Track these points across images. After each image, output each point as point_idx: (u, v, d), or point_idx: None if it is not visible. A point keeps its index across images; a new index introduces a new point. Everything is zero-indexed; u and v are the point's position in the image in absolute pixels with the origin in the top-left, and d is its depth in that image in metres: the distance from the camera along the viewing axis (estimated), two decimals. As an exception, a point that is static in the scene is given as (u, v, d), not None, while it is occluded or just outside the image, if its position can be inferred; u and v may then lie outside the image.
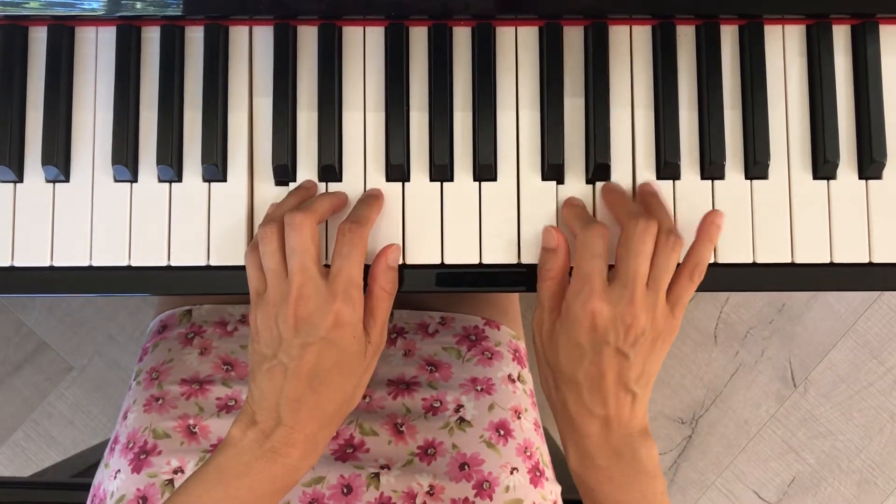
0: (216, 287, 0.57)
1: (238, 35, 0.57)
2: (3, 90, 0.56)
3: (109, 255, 0.56)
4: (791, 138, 0.57)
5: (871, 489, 1.39)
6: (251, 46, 0.58)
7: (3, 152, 0.55)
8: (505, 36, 0.57)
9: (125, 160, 0.55)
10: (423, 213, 0.56)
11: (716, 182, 0.56)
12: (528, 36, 0.57)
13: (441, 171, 0.56)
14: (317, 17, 0.57)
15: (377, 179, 0.57)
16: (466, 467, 0.64)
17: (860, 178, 0.56)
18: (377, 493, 0.62)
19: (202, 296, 0.75)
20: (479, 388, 0.69)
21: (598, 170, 0.56)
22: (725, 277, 0.56)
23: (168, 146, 0.56)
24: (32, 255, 0.56)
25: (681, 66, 0.57)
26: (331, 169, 0.56)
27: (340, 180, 0.57)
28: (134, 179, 0.57)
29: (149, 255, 0.56)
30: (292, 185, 0.57)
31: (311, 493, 0.62)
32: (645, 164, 0.56)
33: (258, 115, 0.57)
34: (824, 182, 0.56)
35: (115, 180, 0.56)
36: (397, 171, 0.56)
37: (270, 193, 0.57)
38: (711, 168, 0.56)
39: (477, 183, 0.57)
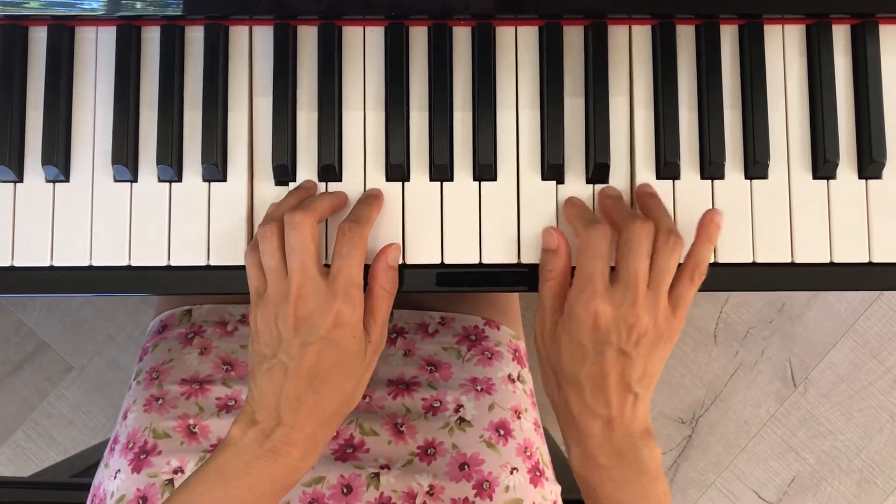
0: (216, 287, 0.57)
1: (238, 35, 0.57)
2: (3, 90, 0.56)
3: (109, 255, 0.56)
4: (791, 138, 0.57)
5: (871, 489, 1.39)
6: (251, 46, 0.58)
7: (3, 152, 0.55)
8: (505, 36, 0.57)
9: (125, 160, 0.55)
10: (422, 212, 0.56)
11: (716, 182, 0.56)
12: (528, 36, 0.57)
13: (441, 170, 0.56)
14: (317, 16, 0.57)
15: (377, 179, 0.57)
16: (466, 467, 0.64)
17: (860, 177, 0.56)
18: (377, 493, 0.62)
19: (202, 296, 0.75)
20: (479, 388, 0.69)
21: (597, 169, 0.56)
22: (725, 277, 0.56)
23: (168, 146, 0.56)
24: (32, 255, 0.56)
25: (681, 65, 0.57)
26: (331, 169, 0.56)
27: (340, 180, 0.57)
28: (134, 179, 0.57)
29: (149, 255, 0.56)
30: (292, 185, 0.57)
31: (311, 492, 0.62)
32: (645, 163, 0.56)
33: (258, 114, 0.57)
34: (824, 182, 0.56)
35: (115, 180, 0.56)
36: (397, 170, 0.56)
37: (270, 193, 0.57)
38: (711, 168, 0.56)
39: (477, 183, 0.57)
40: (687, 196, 0.56)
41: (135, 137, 0.56)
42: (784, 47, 0.57)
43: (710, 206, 0.56)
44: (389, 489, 0.62)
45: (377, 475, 0.63)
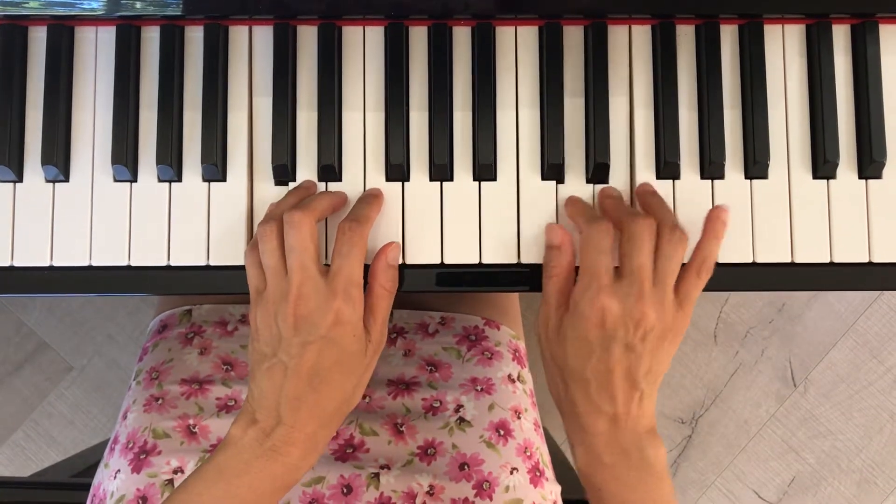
0: (216, 287, 0.57)
1: (238, 35, 0.57)
2: (3, 90, 0.56)
3: (109, 255, 0.56)
4: (791, 138, 0.57)
5: (871, 489, 1.39)
6: (251, 46, 0.58)
7: (2, 152, 0.55)
8: (505, 36, 0.57)
9: (125, 160, 0.55)
10: (422, 212, 0.56)
11: (716, 182, 0.56)
12: (528, 35, 0.57)
13: (441, 170, 0.56)
14: (316, 16, 0.57)
15: (377, 179, 0.57)
16: (466, 467, 0.64)
17: (860, 177, 0.56)
18: (377, 493, 0.62)
19: (202, 296, 0.75)
20: (479, 388, 0.69)
21: (597, 169, 0.56)
22: (725, 277, 0.56)
23: (168, 146, 0.56)
24: (32, 255, 0.56)
25: (681, 65, 0.57)
26: (330, 169, 0.56)
27: (340, 180, 0.57)
28: (133, 179, 0.57)
29: (148, 255, 0.56)
30: (292, 185, 0.57)
31: (311, 493, 0.62)
32: (645, 163, 0.56)
33: (258, 114, 0.57)
34: (824, 182, 0.56)
35: (115, 180, 0.56)
36: (397, 170, 0.56)
37: (270, 193, 0.57)
38: (711, 168, 0.56)
39: (477, 183, 0.57)
40: (687, 196, 0.56)
41: (134, 137, 0.56)
42: (784, 47, 0.57)
43: (710, 206, 0.56)
44: (389, 489, 0.62)
45: (377, 475, 0.63)
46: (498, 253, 0.56)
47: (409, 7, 0.56)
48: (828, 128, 0.55)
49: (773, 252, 0.56)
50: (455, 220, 0.56)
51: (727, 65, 0.57)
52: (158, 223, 0.56)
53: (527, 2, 0.56)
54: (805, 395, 1.39)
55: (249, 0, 0.56)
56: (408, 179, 0.57)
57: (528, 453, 0.67)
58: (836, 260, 0.56)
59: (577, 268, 0.54)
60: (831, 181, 0.56)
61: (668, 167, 0.56)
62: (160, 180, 0.56)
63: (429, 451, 0.65)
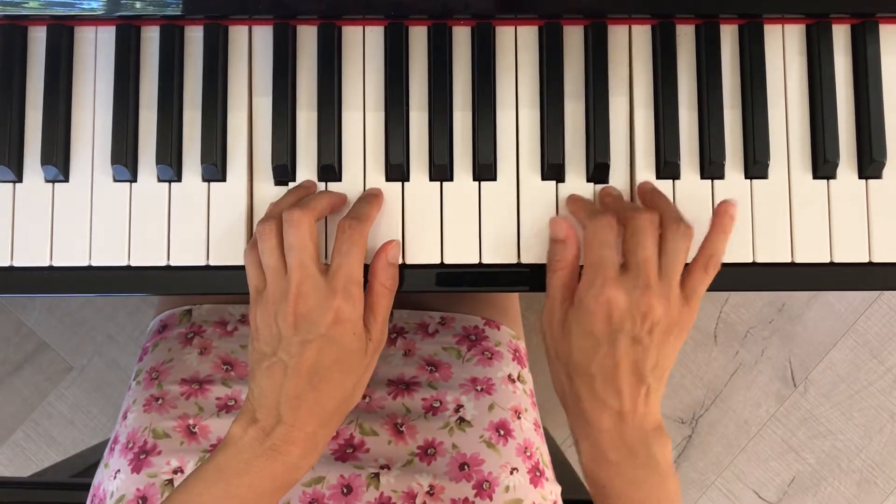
0: (216, 287, 0.57)
1: (237, 35, 0.57)
2: (3, 90, 0.56)
3: (109, 255, 0.56)
4: (791, 138, 0.57)
5: (871, 489, 1.39)
6: (251, 46, 0.58)
7: (2, 152, 0.55)
8: (505, 35, 0.57)
9: (124, 160, 0.55)
10: (422, 212, 0.56)
11: (716, 182, 0.56)
12: (528, 35, 0.57)
13: (441, 170, 0.56)
14: (316, 16, 0.57)
15: (377, 179, 0.57)
16: (466, 467, 0.64)
17: (860, 177, 0.56)
18: (377, 493, 0.62)
19: (202, 296, 0.75)
20: (479, 388, 0.69)
21: (598, 169, 0.56)
22: (725, 277, 0.55)
23: (167, 146, 0.56)
24: (32, 255, 0.56)
25: (681, 65, 0.57)
26: (330, 169, 0.56)
27: (340, 180, 0.57)
28: (133, 179, 0.56)
29: (148, 255, 0.56)
30: (292, 185, 0.57)
31: (311, 492, 0.62)
32: (645, 163, 0.56)
33: (258, 114, 0.57)
34: (824, 182, 0.56)
35: (115, 180, 0.56)
36: (397, 170, 0.56)
37: (270, 193, 0.57)
38: (711, 168, 0.56)
39: (477, 183, 0.56)
40: (687, 196, 0.56)
41: (134, 137, 0.56)
42: (784, 47, 0.57)
43: (711, 206, 0.56)
44: (389, 489, 0.62)
45: (377, 475, 0.63)
46: (498, 253, 0.56)
47: (408, 7, 0.56)
48: (828, 128, 0.55)
49: (773, 252, 0.56)
50: (455, 220, 0.56)
51: (727, 65, 0.57)
52: (158, 223, 0.56)
53: (527, 2, 0.56)
54: (805, 395, 1.39)
55: (249, 0, 0.56)
56: (408, 179, 0.57)
57: (528, 453, 0.67)
58: (836, 260, 0.56)
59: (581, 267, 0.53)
60: (831, 181, 0.56)
61: (668, 167, 0.56)
62: (160, 180, 0.56)
63: (429, 451, 0.65)
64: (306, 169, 0.57)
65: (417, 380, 0.70)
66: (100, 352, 1.38)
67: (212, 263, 0.56)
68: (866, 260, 0.56)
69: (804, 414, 1.39)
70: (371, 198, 0.55)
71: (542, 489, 0.66)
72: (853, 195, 0.56)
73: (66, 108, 0.56)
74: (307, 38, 0.57)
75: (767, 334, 1.39)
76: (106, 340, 1.38)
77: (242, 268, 0.54)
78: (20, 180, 0.57)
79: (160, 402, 0.68)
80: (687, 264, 0.52)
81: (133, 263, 0.56)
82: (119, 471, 0.65)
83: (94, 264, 0.56)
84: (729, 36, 0.57)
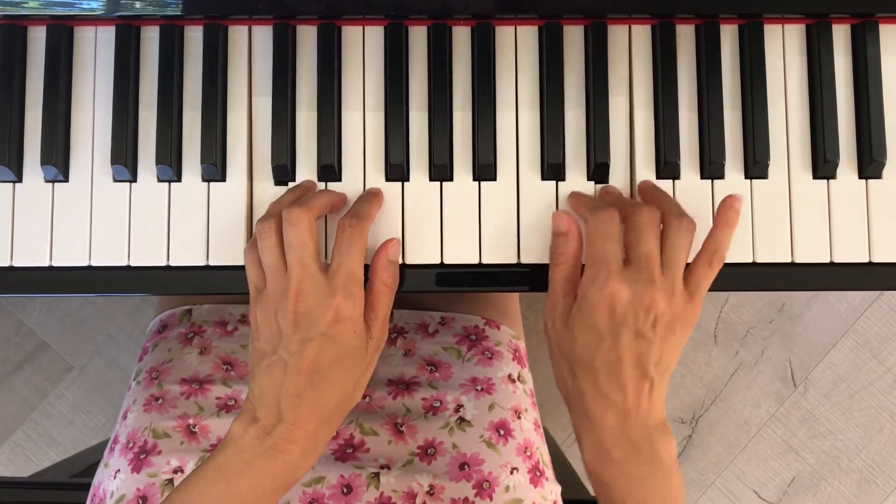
0: (216, 287, 0.57)
1: (237, 35, 0.57)
2: (3, 90, 0.56)
3: (109, 255, 0.56)
4: (791, 138, 0.57)
5: (871, 489, 1.39)
6: (250, 46, 0.58)
7: (2, 152, 0.55)
8: (504, 35, 0.57)
9: (124, 160, 0.55)
10: (422, 212, 0.56)
11: (715, 182, 0.56)
12: (528, 35, 0.57)
13: (441, 170, 0.56)
14: (316, 16, 0.57)
15: (377, 179, 0.57)
16: (466, 467, 0.64)
17: (860, 177, 0.56)
18: (377, 492, 0.62)
19: (202, 295, 0.75)
20: (479, 387, 0.69)
21: (598, 169, 0.56)
22: (725, 277, 0.55)
23: (167, 146, 0.56)
24: (32, 255, 0.56)
25: (681, 65, 0.57)
26: (330, 169, 0.56)
27: (340, 180, 0.57)
28: (133, 179, 0.56)
29: (148, 255, 0.56)
30: (291, 185, 0.57)
31: (311, 492, 0.62)
32: (645, 163, 0.56)
33: (257, 114, 0.57)
34: (824, 182, 0.56)
35: (115, 180, 0.56)
36: (397, 170, 0.56)
37: (270, 193, 0.57)
38: (711, 168, 0.56)
39: (476, 183, 0.56)
40: (687, 196, 0.56)
41: (134, 137, 0.56)
42: (784, 47, 0.57)
43: (711, 206, 0.56)
44: (389, 489, 0.62)
45: (377, 475, 0.63)
46: (498, 253, 0.56)
47: (408, 7, 0.56)
48: (828, 128, 0.55)
49: (773, 252, 0.56)
50: (455, 221, 0.56)
51: (727, 64, 0.57)
52: (158, 223, 0.56)
53: (527, 2, 0.56)
54: (805, 395, 1.39)
55: (249, 0, 0.56)
56: (407, 179, 0.57)
57: (529, 453, 0.67)
58: (836, 260, 0.56)
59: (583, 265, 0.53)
60: (831, 181, 0.56)
61: (668, 167, 0.56)
62: (160, 180, 0.56)
63: (429, 450, 0.65)
64: (306, 169, 0.57)
65: (417, 380, 0.70)
66: (100, 352, 1.38)
67: (212, 263, 0.56)
68: (866, 260, 0.56)
69: (804, 414, 1.39)
70: (371, 197, 0.55)
71: (542, 489, 0.66)
72: (853, 195, 0.56)
73: (66, 108, 0.56)
74: (307, 38, 0.57)
75: (767, 334, 1.39)
76: (106, 340, 1.38)
77: (242, 268, 0.54)
78: (20, 180, 0.57)
79: (160, 401, 0.68)
80: (688, 264, 0.52)
81: (133, 263, 0.56)
82: (119, 470, 0.65)
83: (93, 264, 0.56)
84: (729, 36, 0.57)
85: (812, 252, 0.56)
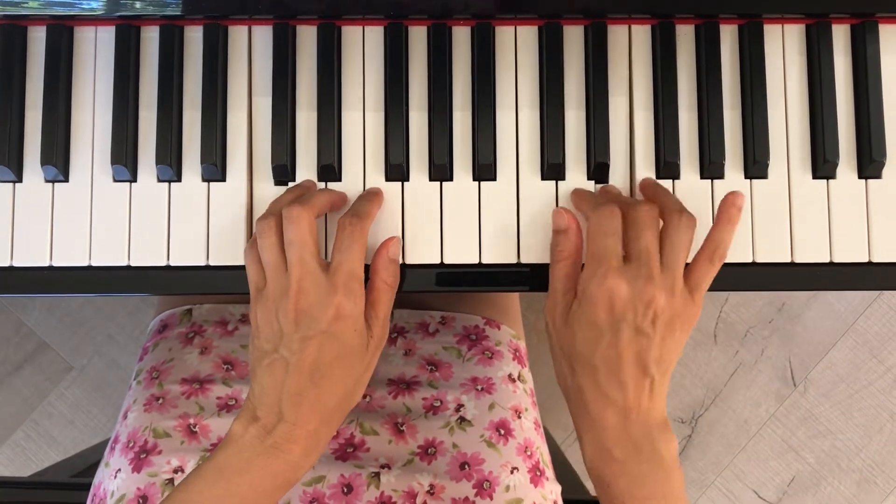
0: (216, 287, 0.57)
1: (237, 35, 0.57)
2: (3, 90, 0.56)
3: (109, 255, 0.56)
4: (791, 138, 0.57)
5: (871, 488, 1.39)
6: (250, 46, 0.58)
7: (2, 152, 0.55)
8: (504, 35, 0.57)
9: (124, 160, 0.55)
10: (422, 212, 0.56)
11: (715, 182, 0.56)
12: (528, 35, 0.57)
13: (440, 170, 0.56)
14: (316, 16, 0.57)
15: (376, 179, 0.57)
16: (467, 467, 0.64)
17: (860, 177, 0.56)
18: (377, 492, 0.62)
19: (202, 295, 0.75)
20: (479, 387, 0.69)
21: (598, 169, 0.56)
22: (725, 277, 0.56)
23: (167, 146, 0.56)
24: (32, 255, 0.56)
25: (680, 65, 0.57)
26: (330, 169, 0.56)
27: (340, 180, 0.57)
28: (133, 179, 0.57)
29: (148, 255, 0.56)
30: (291, 185, 0.57)
31: (312, 492, 0.62)
32: (644, 163, 0.56)
33: (257, 114, 0.57)
34: (824, 181, 0.56)
35: (115, 180, 0.56)
36: (397, 170, 0.56)
37: (270, 193, 0.57)
38: (711, 168, 0.56)
39: (476, 182, 0.57)
40: (687, 196, 0.56)
41: (134, 137, 0.56)
42: (784, 47, 0.57)
43: (711, 206, 0.56)
44: (390, 488, 0.62)
45: (377, 475, 0.63)
46: (498, 253, 0.56)
47: (408, 7, 0.56)
48: (828, 127, 0.55)
49: (773, 252, 0.56)
50: (455, 220, 0.56)
51: (727, 65, 0.57)
52: (158, 223, 0.56)
53: (526, 2, 0.56)
54: (805, 394, 1.39)
55: (249, 0, 0.56)
56: (407, 179, 0.57)
57: (529, 453, 0.67)
58: (836, 260, 0.56)
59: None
60: (831, 181, 0.56)
61: (667, 167, 0.56)
62: (160, 180, 0.56)
63: (429, 450, 0.65)
64: (306, 169, 0.57)
65: (418, 379, 0.70)
66: (100, 352, 1.38)
67: (212, 263, 0.56)
68: (866, 260, 0.56)
69: (804, 413, 1.39)
70: (371, 196, 0.55)
71: (542, 489, 0.66)
72: (853, 195, 0.56)
73: (66, 108, 0.57)
74: (307, 38, 0.57)
75: (767, 334, 1.39)
76: (106, 340, 1.38)
77: (242, 267, 0.54)
78: (20, 180, 0.57)
79: (161, 401, 0.68)
80: (688, 263, 0.52)
81: (133, 263, 0.56)
82: (119, 470, 0.65)
83: (94, 264, 0.56)
84: (729, 36, 0.57)
85: (812, 252, 0.56)
